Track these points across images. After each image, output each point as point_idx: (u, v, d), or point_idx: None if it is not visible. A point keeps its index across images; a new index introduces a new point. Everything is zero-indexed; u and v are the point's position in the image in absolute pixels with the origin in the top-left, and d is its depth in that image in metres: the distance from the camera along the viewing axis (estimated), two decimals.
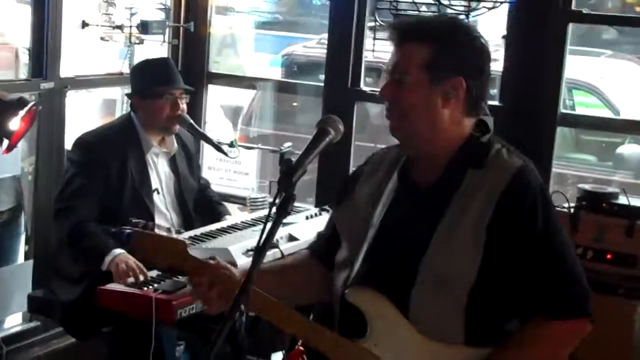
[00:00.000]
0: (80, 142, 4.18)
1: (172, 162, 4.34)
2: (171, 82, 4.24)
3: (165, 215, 4.25)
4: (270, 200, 2.64)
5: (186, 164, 4.40)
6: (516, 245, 2.26)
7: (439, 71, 2.32)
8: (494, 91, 6.36)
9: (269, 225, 2.05)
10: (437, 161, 2.38)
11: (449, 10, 4.54)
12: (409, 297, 2.31)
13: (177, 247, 2.43)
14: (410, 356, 2.33)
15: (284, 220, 3.81)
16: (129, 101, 4.38)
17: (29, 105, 3.36)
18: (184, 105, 4.25)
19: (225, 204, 4.75)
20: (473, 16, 4.59)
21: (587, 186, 4.19)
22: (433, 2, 4.57)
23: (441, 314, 2.31)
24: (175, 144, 4.33)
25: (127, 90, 4.47)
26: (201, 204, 4.51)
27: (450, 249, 2.29)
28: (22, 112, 3.34)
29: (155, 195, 4.22)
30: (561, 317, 2.30)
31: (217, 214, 4.48)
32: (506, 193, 2.27)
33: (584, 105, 7.15)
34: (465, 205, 2.30)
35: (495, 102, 4.71)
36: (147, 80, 4.24)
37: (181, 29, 5.36)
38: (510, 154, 2.37)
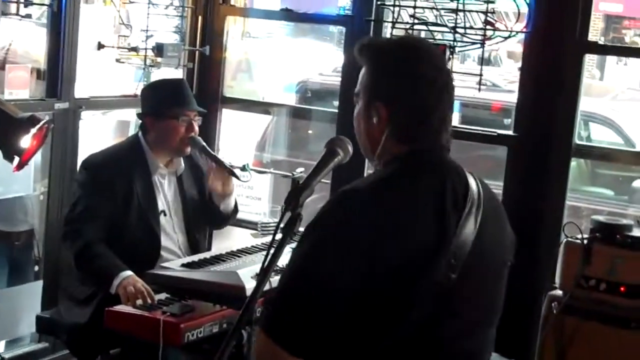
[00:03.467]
0: (87, 164, 4.18)
1: (179, 182, 4.32)
2: (188, 103, 4.23)
3: (172, 237, 4.23)
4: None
5: (194, 185, 4.36)
6: None
7: (371, 95, 2.29)
8: (508, 120, 6.38)
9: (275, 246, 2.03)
10: None
11: (465, 39, 4.54)
12: None
13: None
14: None
15: (295, 246, 3.83)
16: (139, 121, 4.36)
17: (41, 124, 3.36)
18: (197, 128, 4.24)
19: (237, 228, 4.72)
20: (489, 45, 4.59)
21: (600, 218, 4.15)
22: (448, 30, 4.57)
23: None
24: (182, 164, 4.31)
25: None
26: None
27: None
28: (33, 130, 3.34)
29: (162, 217, 4.20)
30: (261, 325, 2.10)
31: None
32: None
33: (601, 140, 7.13)
34: None
35: (510, 132, 4.70)
36: (163, 100, 4.21)
37: (197, 52, 5.37)
38: (360, 181, 2.26)
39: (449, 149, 2.31)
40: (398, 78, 2.26)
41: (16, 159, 3.37)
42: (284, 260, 3.52)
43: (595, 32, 4.19)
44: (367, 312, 2.11)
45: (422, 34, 4.72)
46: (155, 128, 4.21)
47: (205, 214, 4.42)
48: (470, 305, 2.23)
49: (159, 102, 4.23)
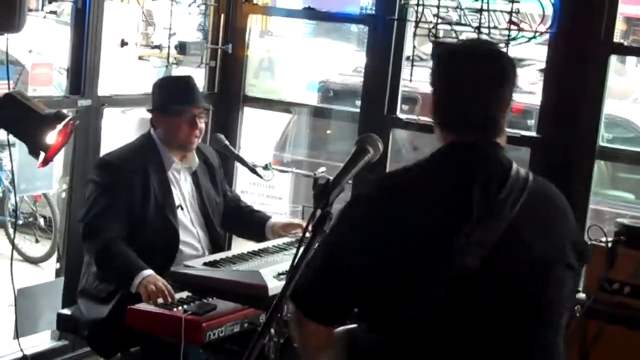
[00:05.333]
0: (102, 164, 4.18)
1: (194, 177, 4.32)
2: (190, 101, 4.21)
3: (191, 232, 4.22)
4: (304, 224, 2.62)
5: (208, 179, 4.37)
6: None
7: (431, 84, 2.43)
8: (532, 122, 6.34)
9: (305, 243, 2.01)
10: None
11: (489, 39, 4.50)
12: None
13: None
14: None
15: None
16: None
17: (66, 120, 3.36)
18: (202, 125, 4.23)
19: None
20: (513, 45, 4.56)
21: (625, 221, 4.13)
22: (473, 30, 4.54)
23: None
24: (197, 159, 4.32)
25: None
26: (240, 215, 4.50)
27: None
28: (59, 126, 3.33)
29: (179, 211, 4.19)
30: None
31: (259, 219, 4.47)
32: None
33: (621, 141, 7.08)
34: None
35: (533, 133, 4.67)
36: (167, 97, 4.23)
37: (219, 50, 5.36)
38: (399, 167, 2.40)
39: (494, 143, 2.35)
40: (443, 69, 2.38)
41: (42, 155, 3.38)
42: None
43: (616, 34, 4.17)
44: (384, 289, 2.22)
45: (445, 32, 4.70)
46: (162, 124, 4.23)
47: (228, 217, 4.45)
48: (498, 296, 2.24)
49: (164, 98, 4.25)
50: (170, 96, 4.22)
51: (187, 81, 4.37)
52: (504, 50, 2.40)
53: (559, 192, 2.44)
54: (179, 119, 4.17)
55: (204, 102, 4.30)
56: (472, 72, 2.33)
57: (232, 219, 4.48)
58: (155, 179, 4.13)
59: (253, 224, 4.45)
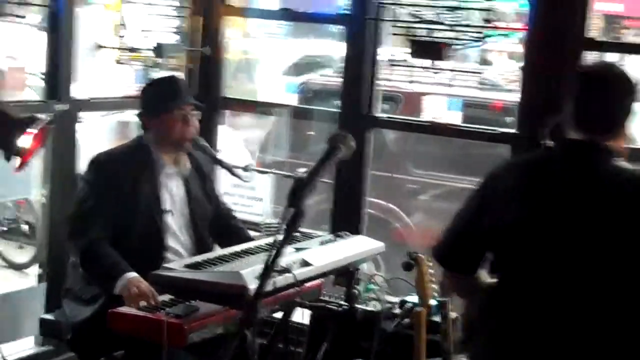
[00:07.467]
0: (94, 162, 4.16)
1: (186, 183, 4.30)
2: (179, 97, 4.20)
3: (177, 237, 4.21)
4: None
5: (200, 186, 4.35)
6: None
7: None
8: (510, 119, 6.37)
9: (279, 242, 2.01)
10: None
11: (464, 37, 4.53)
12: None
13: None
14: None
15: (298, 246, 3.83)
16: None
17: (40, 124, 3.36)
18: (195, 122, 4.23)
19: None
20: (488, 43, 4.58)
21: None
22: (448, 29, 4.55)
23: None
24: (189, 165, 4.30)
25: None
26: (229, 235, 4.46)
27: None
28: (33, 130, 3.33)
29: (169, 216, 4.18)
30: None
31: (246, 239, 4.41)
32: None
33: None
34: None
35: (512, 130, 4.69)
36: (155, 97, 4.22)
37: (195, 53, 5.35)
38: None
39: (596, 142, 2.73)
40: (575, 79, 2.95)
41: (17, 160, 3.37)
42: (287, 259, 3.53)
43: (596, 32, 4.24)
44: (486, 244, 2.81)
45: (421, 32, 4.71)
46: (153, 126, 4.21)
47: (216, 231, 4.43)
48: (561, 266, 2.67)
49: (152, 99, 4.24)
50: (157, 96, 4.21)
51: (171, 80, 4.38)
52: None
53: None
54: (170, 116, 4.16)
55: (192, 99, 4.28)
56: (592, 83, 2.80)
57: (220, 234, 4.46)
58: (146, 182, 4.12)
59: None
